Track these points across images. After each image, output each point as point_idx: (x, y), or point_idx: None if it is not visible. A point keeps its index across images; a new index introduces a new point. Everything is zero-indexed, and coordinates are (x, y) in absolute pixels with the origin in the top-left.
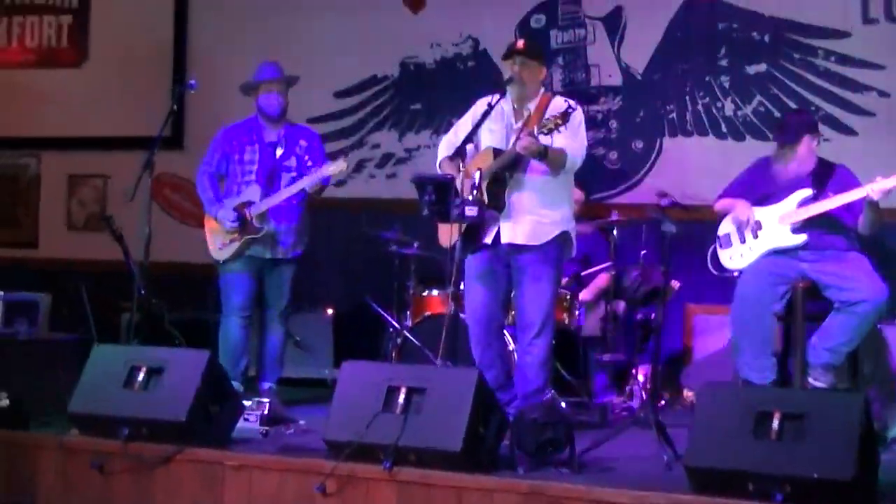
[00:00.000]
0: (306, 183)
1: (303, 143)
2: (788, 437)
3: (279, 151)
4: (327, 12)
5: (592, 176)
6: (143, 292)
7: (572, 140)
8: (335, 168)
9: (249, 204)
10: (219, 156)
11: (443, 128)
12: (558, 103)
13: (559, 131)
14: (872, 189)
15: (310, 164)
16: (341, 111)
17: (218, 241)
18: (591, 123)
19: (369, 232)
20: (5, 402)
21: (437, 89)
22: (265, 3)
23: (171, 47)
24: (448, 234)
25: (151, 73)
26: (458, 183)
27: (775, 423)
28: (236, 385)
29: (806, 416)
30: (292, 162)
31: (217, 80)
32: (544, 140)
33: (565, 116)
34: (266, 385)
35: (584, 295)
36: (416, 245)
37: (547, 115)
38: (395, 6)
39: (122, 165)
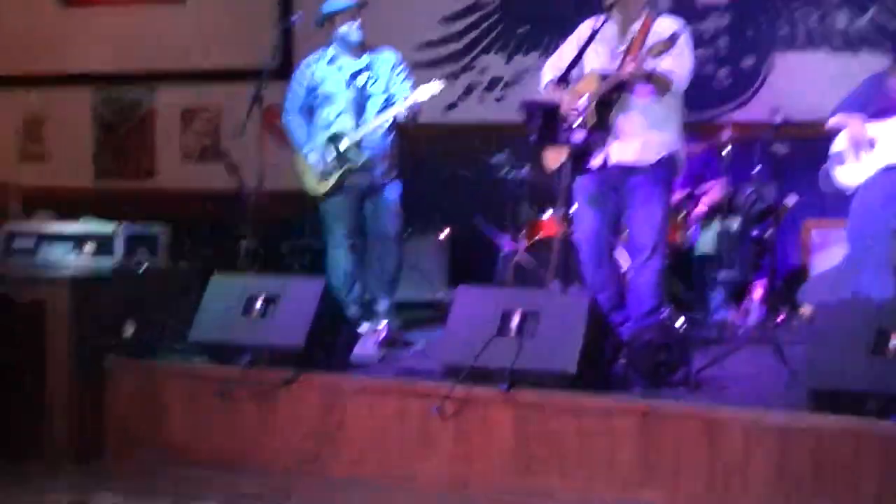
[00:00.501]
0: (398, 110)
1: (386, 66)
2: None
3: (364, 79)
4: None
5: (703, 94)
6: (257, 223)
7: (678, 62)
8: (426, 91)
9: (341, 135)
10: (303, 92)
11: (551, 49)
12: (663, 24)
13: (665, 55)
14: None
15: (395, 88)
16: (448, 36)
17: (314, 177)
18: (699, 41)
19: (481, 156)
20: (131, 332)
21: (544, 11)
22: None
23: None
24: (555, 159)
25: (259, 2)
26: (564, 108)
27: (894, 341)
28: (354, 310)
29: None
30: (379, 87)
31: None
32: (650, 63)
33: (672, 40)
34: (382, 305)
35: (698, 212)
36: (527, 168)
37: (652, 38)
38: None
39: (234, 97)
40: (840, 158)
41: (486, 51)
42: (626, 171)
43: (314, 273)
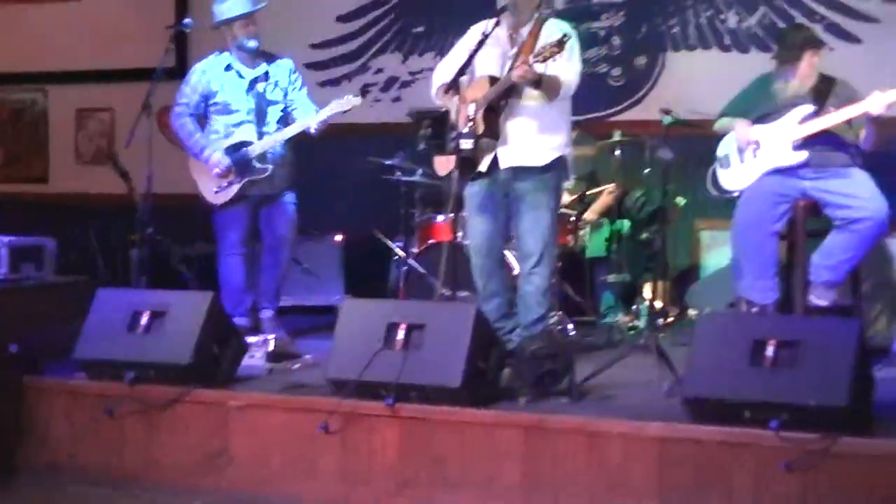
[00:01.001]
0: (309, 123)
1: (283, 74)
2: (784, 364)
3: (263, 87)
4: None
5: (596, 94)
6: (148, 230)
7: (567, 67)
8: (347, 104)
9: (244, 144)
10: (196, 98)
11: (446, 49)
12: (552, 28)
13: (554, 60)
14: (872, 104)
15: (293, 94)
16: (344, 36)
17: (212, 185)
18: (592, 40)
19: (375, 159)
20: (15, 348)
21: (440, 11)
22: None
23: None
24: (445, 165)
25: (155, 2)
26: (453, 114)
27: (771, 351)
28: (243, 322)
29: (801, 343)
30: (278, 95)
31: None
32: (539, 68)
33: (561, 45)
34: (267, 315)
35: (589, 215)
36: (419, 172)
37: (542, 42)
38: None
39: (128, 98)
40: (726, 161)
41: (381, 51)
42: (515, 175)
43: (208, 281)
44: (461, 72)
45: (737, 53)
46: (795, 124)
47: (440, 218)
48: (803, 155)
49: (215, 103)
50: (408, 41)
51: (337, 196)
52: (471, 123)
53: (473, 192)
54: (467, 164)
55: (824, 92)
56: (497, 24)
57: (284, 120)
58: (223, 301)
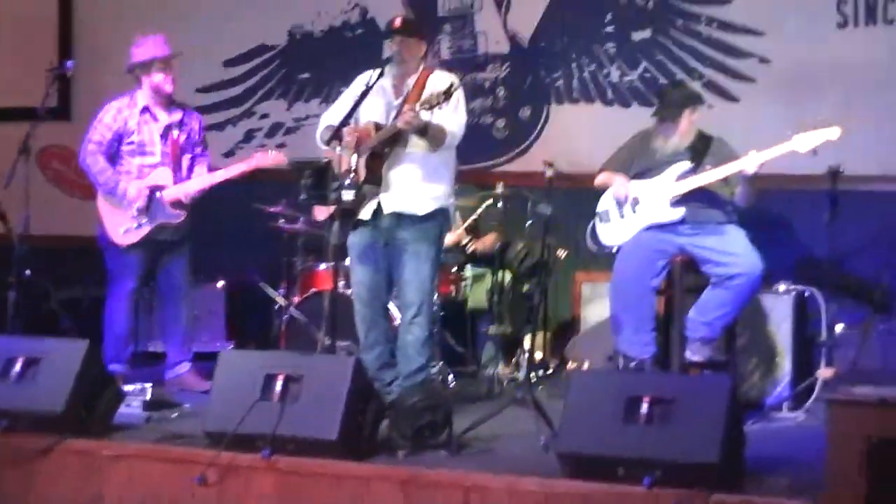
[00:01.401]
0: (237, 171)
1: (195, 125)
2: (657, 421)
3: (177, 133)
4: None
5: (480, 144)
6: (25, 272)
7: (452, 117)
8: (272, 160)
9: (159, 188)
10: (110, 136)
11: (332, 97)
12: (439, 78)
13: (440, 108)
14: (748, 162)
15: (198, 148)
16: (229, 80)
17: (122, 225)
18: (478, 91)
19: (257, 206)
20: None
21: (326, 58)
22: None
23: (56, 16)
24: (325, 214)
25: (38, 41)
26: (335, 164)
27: (644, 408)
28: (121, 368)
29: (675, 399)
30: (187, 145)
31: (102, 48)
32: (425, 116)
33: (447, 94)
34: (186, 366)
35: (471, 267)
36: (301, 220)
37: (428, 91)
38: None
39: (10, 138)
40: (606, 216)
41: (267, 96)
42: (397, 223)
43: (86, 326)
44: (345, 121)
45: (619, 108)
46: (673, 181)
47: (322, 266)
48: (680, 212)
49: (130, 142)
50: (293, 87)
51: (219, 242)
52: (353, 174)
53: (355, 241)
54: (349, 214)
55: (702, 149)
56: (381, 74)
57: (190, 169)
58: (106, 347)
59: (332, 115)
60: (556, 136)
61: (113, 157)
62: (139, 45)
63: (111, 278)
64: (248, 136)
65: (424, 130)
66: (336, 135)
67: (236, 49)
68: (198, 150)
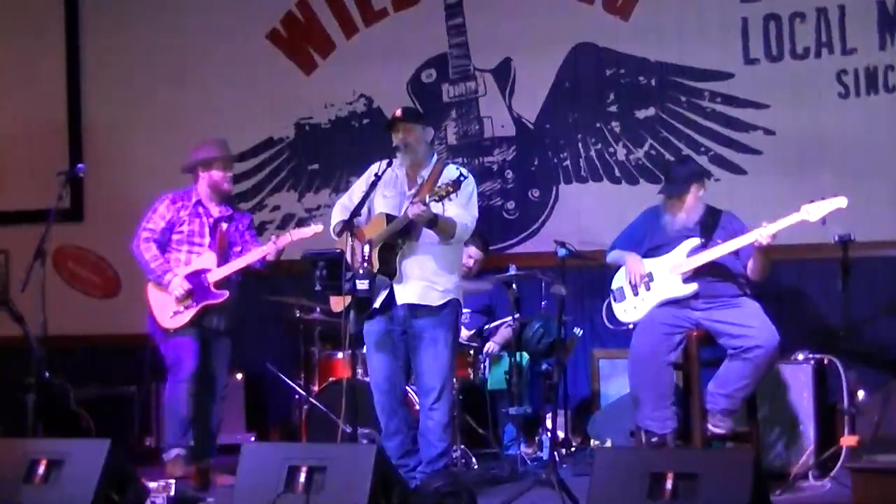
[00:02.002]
0: (272, 249)
1: (245, 222)
2: (682, 496)
3: (226, 226)
4: (217, 79)
5: (491, 227)
6: (45, 374)
7: (463, 209)
8: (310, 231)
9: (204, 271)
10: (163, 224)
11: (342, 186)
12: (451, 172)
13: (450, 199)
14: (759, 234)
15: (248, 244)
16: (240, 175)
17: (169, 310)
18: (486, 175)
19: (271, 298)
20: None
21: (334, 148)
22: (157, 73)
23: (66, 121)
24: (340, 304)
25: (50, 145)
26: (348, 254)
27: (669, 484)
28: (182, 453)
29: (699, 474)
30: (236, 239)
31: (114, 150)
32: (435, 208)
33: (457, 185)
34: (210, 460)
35: (488, 349)
36: (318, 309)
37: (439, 183)
38: (287, 67)
39: (23, 240)
40: (620, 294)
41: (277, 189)
42: (412, 312)
43: (106, 425)
44: (356, 212)
45: (627, 185)
46: (684, 257)
47: (340, 355)
48: (693, 287)
49: (180, 231)
50: (303, 179)
51: (237, 334)
52: (366, 264)
53: (371, 329)
54: (363, 303)
55: (711, 224)
56: (390, 163)
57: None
58: (167, 432)
59: (344, 205)
60: (566, 216)
61: (164, 245)
62: (202, 145)
63: (168, 366)
64: (260, 228)
65: (434, 222)
66: (348, 226)
67: (245, 143)
68: (247, 239)
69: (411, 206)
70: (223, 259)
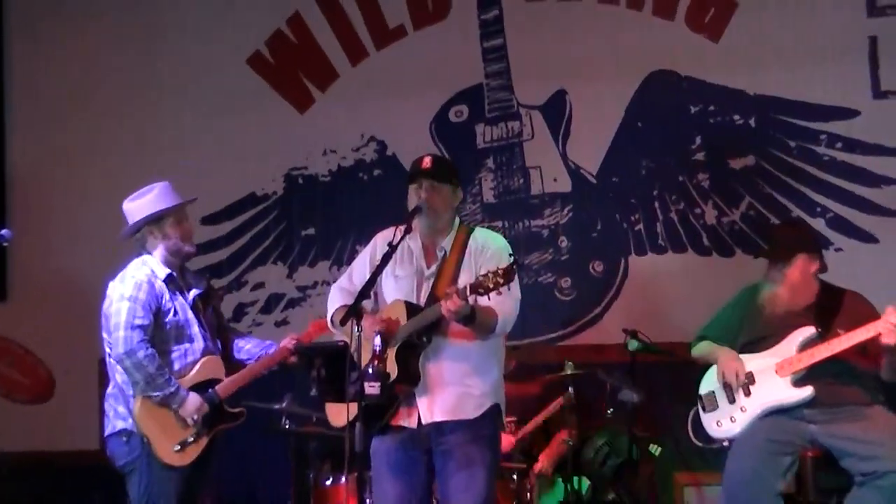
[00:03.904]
0: (291, 344)
1: (217, 296)
2: None
3: (203, 306)
4: (182, 118)
5: (540, 311)
6: None
7: (505, 296)
8: (318, 328)
9: (212, 383)
10: (150, 316)
11: (345, 257)
12: (482, 239)
13: (499, 293)
14: (889, 324)
15: (232, 334)
16: (210, 242)
17: (174, 439)
18: (534, 243)
19: (252, 403)
20: None
21: (335, 208)
22: (101, 112)
23: None
24: (342, 415)
25: None
26: (354, 349)
27: None
28: None
29: None
30: (215, 318)
31: (46, 209)
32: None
33: (507, 275)
34: None
35: (537, 469)
36: (314, 419)
37: (471, 257)
38: (275, 103)
39: None
40: (710, 401)
41: (261, 261)
42: (440, 427)
43: None
44: (364, 294)
45: (718, 257)
46: (795, 351)
47: (342, 480)
48: (807, 392)
49: (167, 324)
50: (294, 247)
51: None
52: (377, 363)
53: (384, 448)
54: (374, 412)
55: (830, 308)
56: (408, 230)
57: (227, 353)
58: None
59: (343, 289)
60: (637, 297)
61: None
62: (141, 196)
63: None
64: (239, 312)
65: (471, 318)
66: (354, 312)
67: (220, 201)
68: (227, 324)
69: (445, 301)
70: (222, 354)
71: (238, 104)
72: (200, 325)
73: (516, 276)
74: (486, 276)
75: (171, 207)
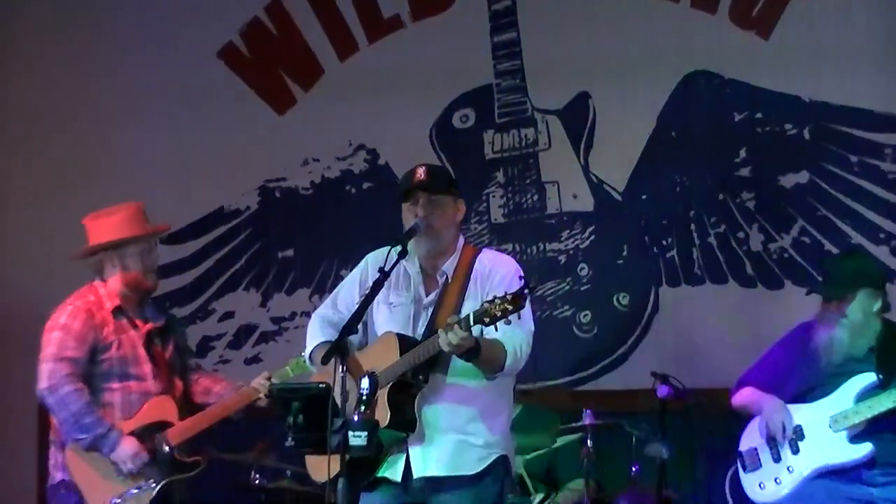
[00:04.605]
0: (265, 385)
1: (183, 333)
2: None
3: (162, 344)
4: (143, 114)
5: (556, 349)
6: None
7: (515, 328)
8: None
9: (161, 426)
10: (86, 350)
11: (329, 284)
12: (489, 263)
13: (508, 322)
14: None
15: (190, 360)
16: (172, 265)
17: (114, 492)
18: (550, 270)
19: (217, 453)
20: None
21: (318, 226)
22: (40, 113)
23: None
24: (324, 469)
25: None
26: (338, 391)
27: None
28: None
29: None
30: (177, 360)
31: None
32: (476, 329)
33: (518, 301)
34: None
35: None
36: (288, 473)
37: (476, 284)
38: (250, 103)
39: None
40: (753, 459)
41: (230, 286)
42: (437, 483)
43: None
44: (350, 327)
45: (764, 290)
46: (852, 402)
47: None
48: (866, 449)
49: (107, 360)
50: (270, 272)
51: None
52: (364, 409)
53: (372, 503)
54: (360, 466)
55: (894, 352)
56: (403, 253)
57: (187, 394)
58: None
59: (327, 319)
60: (669, 335)
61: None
62: (104, 216)
63: None
64: (204, 346)
65: (476, 353)
66: (338, 349)
67: (183, 217)
68: (191, 362)
69: (444, 331)
70: (174, 396)
71: (206, 104)
72: (152, 362)
73: (528, 304)
74: (492, 302)
75: (137, 237)
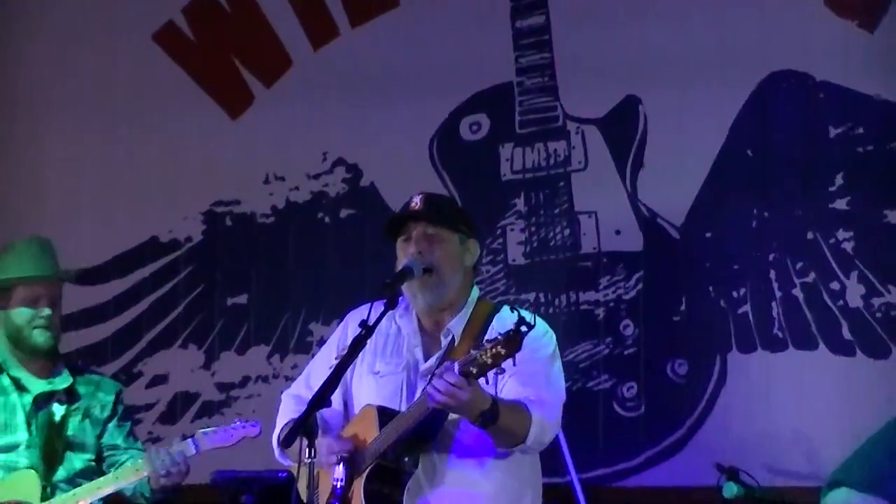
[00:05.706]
0: (157, 467)
1: (103, 399)
2: None
3: (60, 413)
4: (51, 118)
5: (592, 432)
6: None
7: (538, 385)
8: (238, 435)
9: None
10: None
11: (293, 342)
12: (511, 321)
13: (501, 371)
14: None
15: (114, 434)
16: (89, 310)
17: None
18: (583, 328)
19: None
20: None
21: (281, 264)
22: None
23: None
24: None
25: None
26: (302, 485)
27: None
28: None
29: None
30: (85, 433)
31: None
32: (485, 385)
33: (514, 343)
34: None
35: None
36: None
37: (493, 347)
38: (195, 101)
39: None
40: None
41: (164, 341)
42: None
43: None
44: (319, 400)
45: (864, 357)
46: None
47: None
48: None
49: None
50: (216, 323)
51: None
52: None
53: None
54: None
55: None
56: (390, 304)
57: (90, 474)
58: None
59: (305, 394)
60: (740, 416)
61: None
62: None
63: None
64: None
65: (493, 417)
66: (303, 428)
67: (105, 250)
68: (114, 434)
69: (433, 383)
70: (51, 472)
71: (137, 103)
72: (37, 436)
73: (558, 362)
74: (480, 347)
75: (23, 278)
